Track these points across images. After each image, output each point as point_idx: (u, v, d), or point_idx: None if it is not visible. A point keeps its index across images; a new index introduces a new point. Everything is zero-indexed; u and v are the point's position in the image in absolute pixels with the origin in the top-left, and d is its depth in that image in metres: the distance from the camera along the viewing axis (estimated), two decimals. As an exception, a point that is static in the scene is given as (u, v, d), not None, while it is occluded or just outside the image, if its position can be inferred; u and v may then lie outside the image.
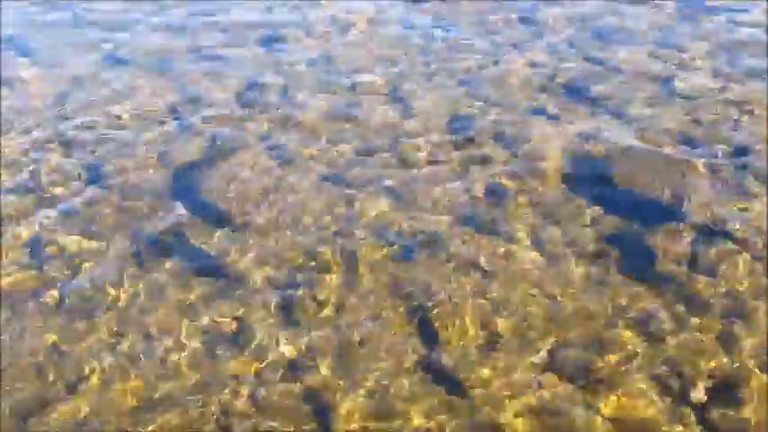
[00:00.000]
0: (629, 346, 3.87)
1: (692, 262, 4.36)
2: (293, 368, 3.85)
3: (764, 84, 6.14)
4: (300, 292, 4.29)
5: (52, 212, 4.98)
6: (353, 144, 5.57)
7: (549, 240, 4.58)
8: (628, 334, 3.95)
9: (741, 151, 5.29)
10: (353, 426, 3.57)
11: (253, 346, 3.98)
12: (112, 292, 4.34)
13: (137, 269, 4.50)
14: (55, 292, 4.35)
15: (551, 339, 3.94)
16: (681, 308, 4.07)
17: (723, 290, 4.17)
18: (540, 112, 5.88)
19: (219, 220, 4.86)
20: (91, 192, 5.17)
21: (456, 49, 6.96)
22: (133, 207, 5.01)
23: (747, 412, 3.53)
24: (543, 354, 3.86)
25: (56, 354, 3.98)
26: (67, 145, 5.69)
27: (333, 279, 4.37)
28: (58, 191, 5.19)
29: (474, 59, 6.75)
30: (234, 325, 4.11)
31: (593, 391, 3.66)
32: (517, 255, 4.49)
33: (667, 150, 5.33)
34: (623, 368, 3.76)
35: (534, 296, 4.20)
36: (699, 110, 5.83)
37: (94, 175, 5.34)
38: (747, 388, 3.62)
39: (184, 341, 4.02)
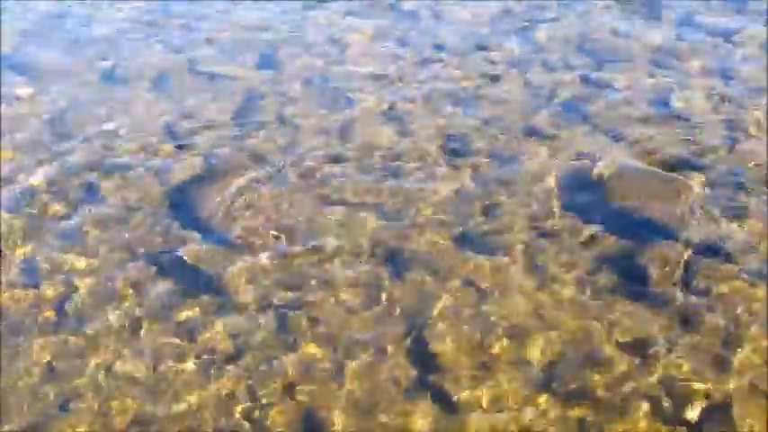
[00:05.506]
0: (624, 366, 3.87)
1: (688, 281, 4.37)
2: (289, 387, 3.85)
3: (761, 103, 6.16)
4: (296, 310, 4.29)
5: (49, 231, 4.98)
6: (349, 162, 5.58)
7: (544, 259, 4.58)
8: (622, 354, 3.95)
9: (737, 170, 5.30)
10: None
11: (248, 365, 3.97)
12: (108, 310, 4.34)
13: (133, 288, 4.50)
14: (51, 311, 4.35)
15: (545, 359, 3.94)
16: (676, 327, 4.07)
17: (718, 309, 4.17)
18: (535, 131, 5.89)
19: (216, 239, 4.86)
20: (87, 210, 5.17)
21: (452, 68, 6.98)
22: (130, 225, 5.01)
23: (742, 433, 3.54)
24: (537, 373, 3.86)
25: (51, 372, 3.97)
26: (64, 162, 5.70)
27: (328, 297, 4.37)
28: (55, 209, 5.19)
29: (469, 78, 6.76)
30: (230, 344, 4.11)
31: (587, 411, 3.66)
32: (512, 273, 4.49)
33: (663, 169, 5.34)
34: (618, 388, 3.76)
35: (529, 315, 4.20)
36: (695, 129, 5.85)
37: (91, 194, 5.34)
38: (742, 409, 3.62)
39: (180, 360, 4.01)
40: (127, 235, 4.93)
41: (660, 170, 5.33)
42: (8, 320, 4.30)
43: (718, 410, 3.63)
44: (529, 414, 3.66)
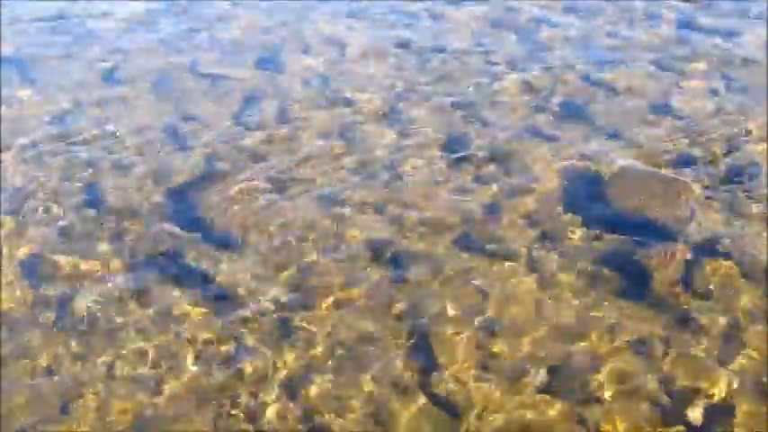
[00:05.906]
0: (624, 366, 3.87)
1: (688, 283, 4.37)
2: (288, 388, 3.85)
3: (761, 103, 6.16)
4: (296, 311, 4.29)
5: (49, 232, 4.99)
6: (350, 163, 5.59)
7: (544, 260, 4.58)
8: (623, 355, 3.95)
9: (737, 171, 5.30)
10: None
11: (248, 365, 3.97)
12: (109, 312, 4.34)
13: (133, 288, 4.50)
14: (51, 313, 4.35)
15: (547, 360, 3.94)
16: (676, 329, 4.07)
17: (719, 311, 4.17)
18: (536, 132, 5.90)
19: (216, 239, 4.87)
20: (88, 211, 5.18)
21: (452, 69, 6.98)
22: (130, 227, 5.01)
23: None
24: (539, 374, 3.86)
25: (51, 375, 3.97)
26: (65, 164, 5.70)
27: (329, 299, 4.37)
28: (55, 210, 5.20)
29: (470, 79, 6.77)
30: (231, 344, 4.11)
31: (587, 410, 3.66)
32: (513, 275, 4.49)
33: (663, 170, 5.34)
34: (618, 388, 3.76)
35: (530, 316, 4.20)
36: (695, 130, 5.85)
37: (92, 195, 5.35)
38: (742, 409, 3.62)
39: (181, 361, 4.02)
40: (127, 235, 4.93)
41: (660, 171, 5.33)
42: (8, 321, 4.30)
43: (719, 410, 3.63)
44: (529, 414, 3.66)
